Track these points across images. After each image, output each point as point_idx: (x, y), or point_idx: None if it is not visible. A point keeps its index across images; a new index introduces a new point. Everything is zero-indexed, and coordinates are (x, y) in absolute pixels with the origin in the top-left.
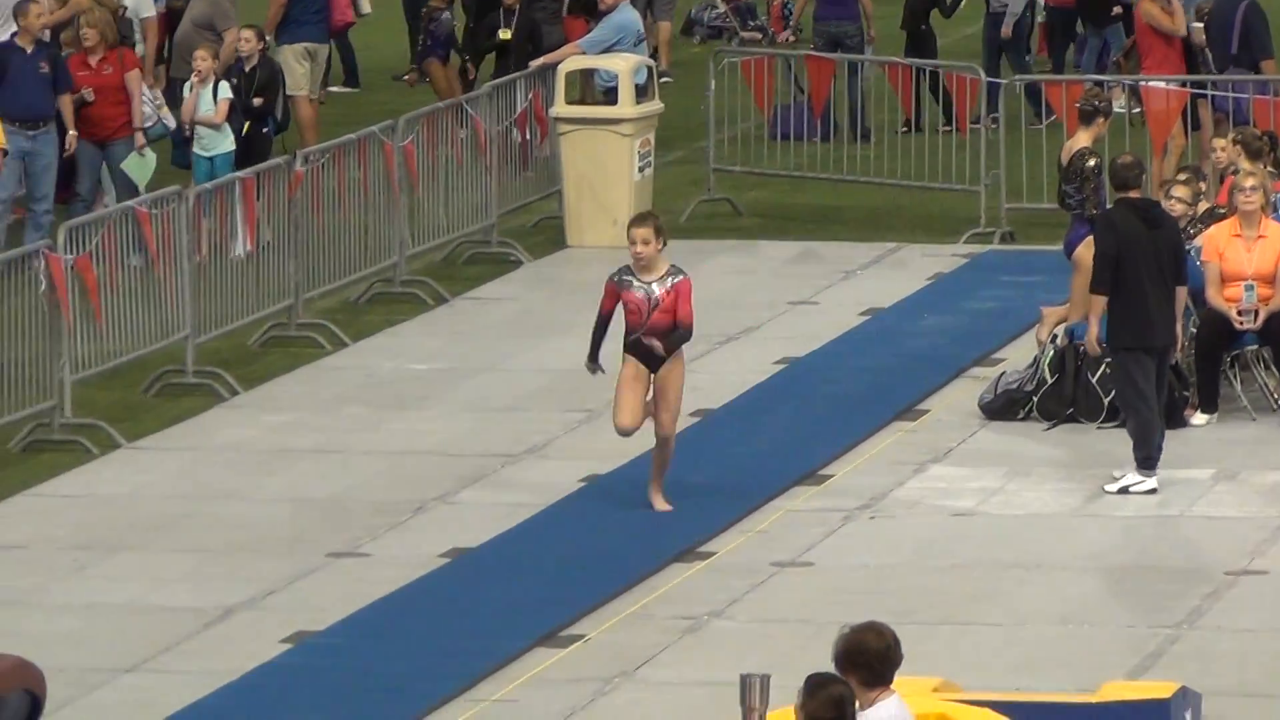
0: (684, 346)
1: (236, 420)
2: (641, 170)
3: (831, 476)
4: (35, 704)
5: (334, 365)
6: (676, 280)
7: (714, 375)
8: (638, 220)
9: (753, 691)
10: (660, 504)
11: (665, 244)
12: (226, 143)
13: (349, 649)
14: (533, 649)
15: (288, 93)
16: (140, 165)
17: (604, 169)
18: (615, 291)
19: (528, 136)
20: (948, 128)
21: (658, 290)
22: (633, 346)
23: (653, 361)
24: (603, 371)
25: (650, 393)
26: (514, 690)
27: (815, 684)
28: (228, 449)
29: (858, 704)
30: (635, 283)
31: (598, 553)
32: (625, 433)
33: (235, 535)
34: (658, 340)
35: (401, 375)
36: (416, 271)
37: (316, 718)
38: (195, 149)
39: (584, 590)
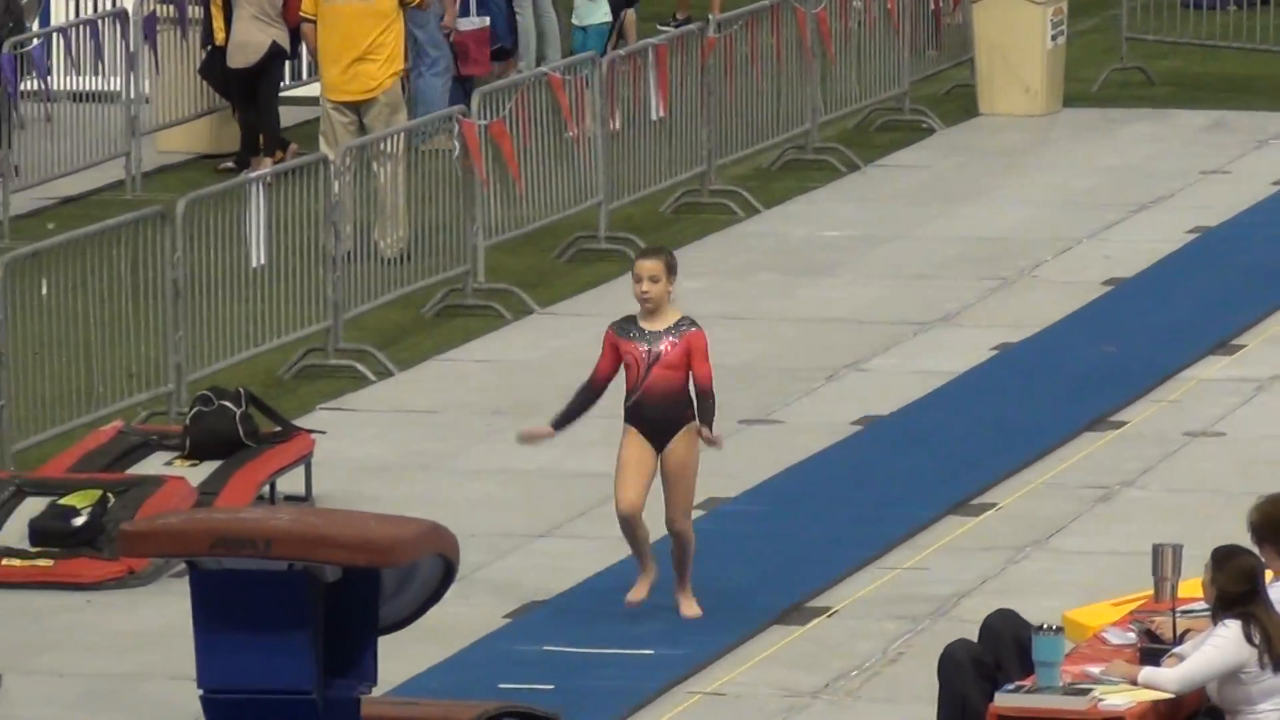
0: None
1: None
2: (1054, 38)
3: (1244, 346)
4: (449, 569)
5: (746, 231)
6: (688, 331)
7: (1127, 244)
8: (646, 253)
9: (1165, 561)
10: (689, 609)
11: (675, 286)
12: (601, 13)
13: (761, 515)
14: (944, 517)
15: None
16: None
17: (1016, 37)
18: (615, 343)
19: (940, 4)
20: None
21: (661, 342)
22: (633, 412)
23: (659, 433)
24: (550, 438)
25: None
26: (926, 558)
27: (1223, 555)
28: None
29: (1270, 575)
30: (634, 331)
31: (1009, 421)
32: (626, 519)
33: None
34: (663, 412)
35: (813, 242)
36: (829, 138)
37: (729, 583)
38: (572, 19)
39: (995, 458)
